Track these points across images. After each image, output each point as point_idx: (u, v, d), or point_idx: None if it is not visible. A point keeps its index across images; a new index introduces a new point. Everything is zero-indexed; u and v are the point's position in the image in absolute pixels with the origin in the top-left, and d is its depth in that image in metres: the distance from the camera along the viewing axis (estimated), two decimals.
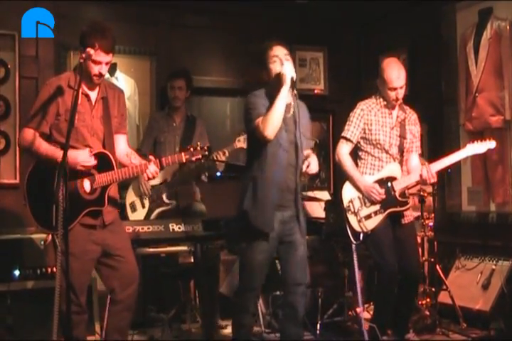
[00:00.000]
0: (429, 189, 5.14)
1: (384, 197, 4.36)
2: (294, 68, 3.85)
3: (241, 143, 4.94)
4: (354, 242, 4.36)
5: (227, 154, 4.98)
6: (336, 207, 5.27)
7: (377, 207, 4.38)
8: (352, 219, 4.39)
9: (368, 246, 4.44)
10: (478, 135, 5.38)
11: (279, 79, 3.76)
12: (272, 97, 3.79)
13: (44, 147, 3.62)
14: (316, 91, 6.94)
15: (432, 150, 5.97)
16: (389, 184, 4.40)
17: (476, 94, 5.70)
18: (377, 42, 6.84)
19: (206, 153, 3.72)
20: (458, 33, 5.88)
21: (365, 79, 7.03)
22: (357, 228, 4.37)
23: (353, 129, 4.49)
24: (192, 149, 3.71)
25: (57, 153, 3.55)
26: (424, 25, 6.26)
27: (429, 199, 5.15)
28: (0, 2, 5.43)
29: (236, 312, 4.00)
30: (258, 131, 3.74)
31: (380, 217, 4.38)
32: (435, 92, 6.06)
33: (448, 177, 5.77)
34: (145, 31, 6.25)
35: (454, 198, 5.89)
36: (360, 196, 4.41)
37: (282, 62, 3.82)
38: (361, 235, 4.36)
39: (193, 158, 3.71)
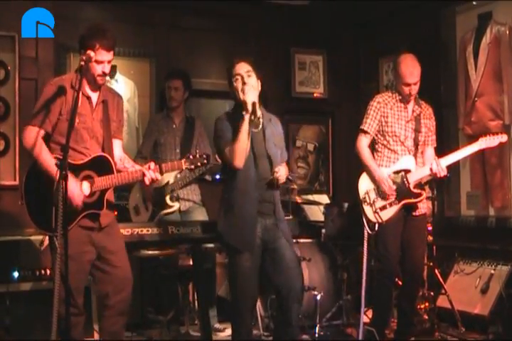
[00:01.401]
0: (428, 193, 5.14)
1: (393, 192, 4.40)
2: (258, 84, 3.85)
3: None
4: (370, 232, 4.39)
5: None
6: (335, 209, 5.30)
7: (392, 198, 4.42)
8: (368, 210, 4.44)
9: (374, 237, 4.47)
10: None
11: (243, 105, 3.74)
12: (237, 118, 3.78)
13: (43, 157, 3.59)
14: (315, 95, 6.94)
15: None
16: (403, 176, 4.45)
17: (476, 99, 5.71)
18: (376, 45, 6.84)
19: (205, 161, 3.75)
20: (457, 37, 5.89)
21: (364, 82, 7.04)
22: (372, 219, 4.43)
23: (370, 122, 4.56)
24: (192, 157, 3.74)
25: (52, 169, 3.52)
26: (423, 29, 6.26)
27: (428, 204, 5.15)
28: None
29: (233, 321, 3.96)
30: (227, 162, 3.78)
31: (394, 208, 4.42)
32: (434, 96, 6.03)
33: (447, 182, 5.77)
34: (144, 33, 6.24)
35: (453, 202, 5.89)
36: (376, 188, 4.46)
37: (244, 81, 3.82)
38: (376, 226, 4.40)
39: (192, 166, 3.75)
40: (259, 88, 3.89)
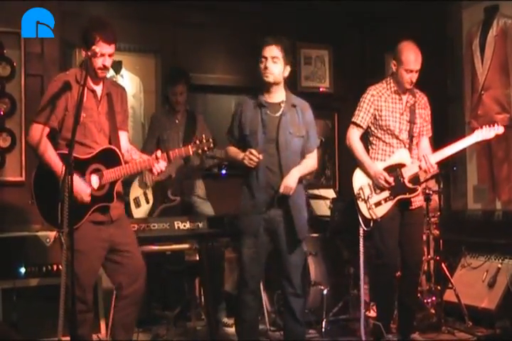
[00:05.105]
0: (435, 187, 5.13)
1: (392, 184, 4.34)
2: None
3: None
4: (365, 229, 4.36)
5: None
6: (341, 204, 5.29)
7: (386, 193, 4.37)
8: (362, 206, 4.39)
9: (372, 232, 4.41)
10: None
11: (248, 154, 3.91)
12: (256, 100, 3.97)
13: (48, 155, 3.59)
14: (321, 89, 6.95)
15: (437, 148, 5.94)
16: (398, 171, 4.39)
17: (482, 92, 5.69)
18: (382, 39, 6.82)
19: (212, 145, 3.76)
20: (464, 31, 5.87)
21: (370, 77, 7.01)
22: (367, 215, 4.37)
23: (363, 115, 4.49)
24: (198, 142, 3.75)
25: (58, 167, 3.52)
26: (429, 23, 6.23)
27: (435, 197, 5.13)
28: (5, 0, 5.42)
29: (236, 308, 4.08)
30: None
31: (389, 204, 4.37)
32: (440, 90, 6.03)
33: (454, 175, 5.75)
34: (150, 29, 6.24)
35: (460, 196, 5.87)
36: (371, 183, 4.40)
37: (266, 66, 3.89)
38: (371, 222, 4.35)
39: (200, 151, 3.75)
40: (286, 74, 3.97)
